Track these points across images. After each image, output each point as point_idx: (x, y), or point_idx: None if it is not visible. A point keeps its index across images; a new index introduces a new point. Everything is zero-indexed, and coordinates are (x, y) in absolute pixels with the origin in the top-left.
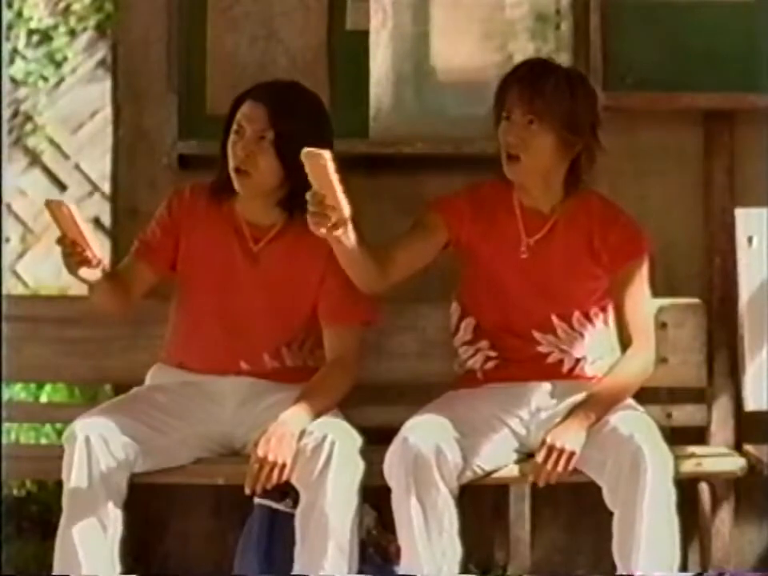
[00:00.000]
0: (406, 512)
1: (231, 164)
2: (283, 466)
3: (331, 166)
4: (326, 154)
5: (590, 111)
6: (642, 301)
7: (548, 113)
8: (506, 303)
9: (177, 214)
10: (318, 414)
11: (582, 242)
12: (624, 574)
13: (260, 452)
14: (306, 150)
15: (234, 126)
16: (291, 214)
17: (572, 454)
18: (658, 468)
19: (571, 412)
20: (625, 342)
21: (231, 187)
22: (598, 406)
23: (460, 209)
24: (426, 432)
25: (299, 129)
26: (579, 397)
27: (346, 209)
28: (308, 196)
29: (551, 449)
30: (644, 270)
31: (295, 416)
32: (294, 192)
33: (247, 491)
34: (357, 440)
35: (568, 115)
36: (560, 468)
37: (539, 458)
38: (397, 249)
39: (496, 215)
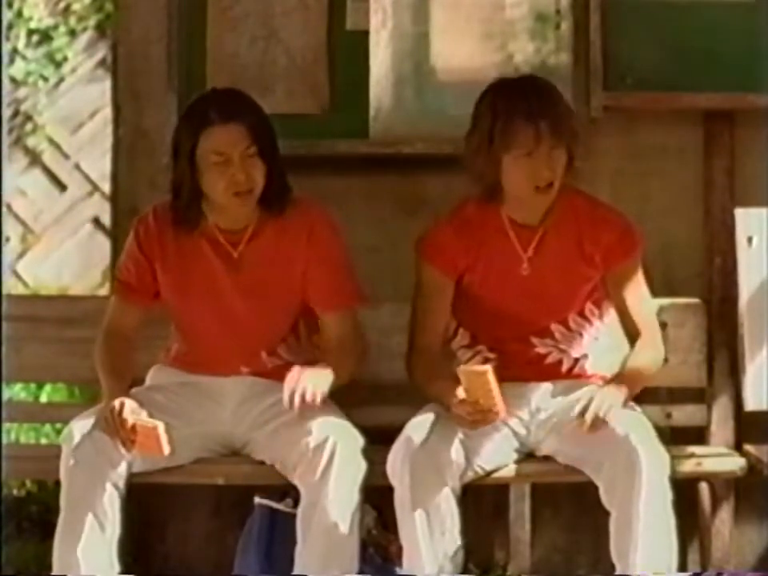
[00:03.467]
0: (409, 512)
1: (229, 191)
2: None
3: (492, 378)
4: (489, 371)
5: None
6: (641, 294)
7: (565, 133)
8: (503, 318)
9: (146, 246)
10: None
11: (573, 247)
12: (622, 574)
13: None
14: (469, 369)
15: (213, 158)
16: (263, 211)
17: (611, 405)
18: (654, 468)
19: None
20: (632, 337)
21: (198, 213)
22: (624, 385)
23: (451, 251)
24: (428, 432)
25: (266, 125)
26: (579, 395)
27: (503, 412)
28: (456, 402)
29: (591, 400)
30: (639, 264)
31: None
32: (269, 188)
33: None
34: (359, 440)
35: (570, 125)
36: (602, 412)
37: (578, 408)
38: (436, 333)
39: (487, 237)
